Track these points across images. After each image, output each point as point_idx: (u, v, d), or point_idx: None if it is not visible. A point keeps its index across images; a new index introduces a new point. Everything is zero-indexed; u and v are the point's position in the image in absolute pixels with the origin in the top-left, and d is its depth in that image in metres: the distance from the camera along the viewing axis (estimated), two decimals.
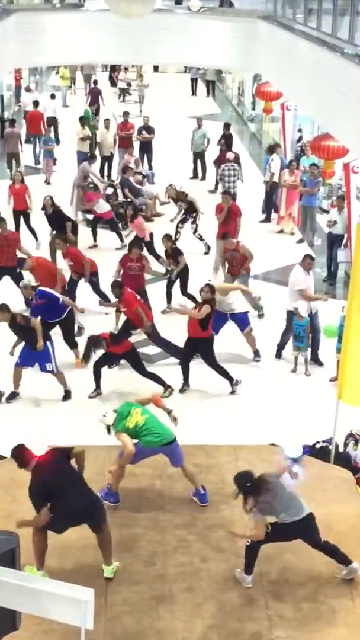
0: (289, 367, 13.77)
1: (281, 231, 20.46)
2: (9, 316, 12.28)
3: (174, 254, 15.38)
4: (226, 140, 23.67)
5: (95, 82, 32.96)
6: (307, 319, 13.44)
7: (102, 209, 18.78)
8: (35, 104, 26.66)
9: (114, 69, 39.54)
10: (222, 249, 15.78)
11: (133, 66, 39.83)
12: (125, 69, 38.92)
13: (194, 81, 38.91)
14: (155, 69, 41.74)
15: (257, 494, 8.19)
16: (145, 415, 9.58)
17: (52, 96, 29.03)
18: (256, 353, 14.00)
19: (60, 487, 8.21)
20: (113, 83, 39.02)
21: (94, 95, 30.57)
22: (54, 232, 17.09)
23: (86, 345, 12.55)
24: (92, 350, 12.46)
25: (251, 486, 8.24)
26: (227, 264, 15.59)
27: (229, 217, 17.08)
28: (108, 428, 9.62)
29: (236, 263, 15.32)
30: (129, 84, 39.60)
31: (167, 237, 15.53)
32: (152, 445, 9.48)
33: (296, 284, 13.67)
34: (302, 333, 13.48)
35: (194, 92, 38.83)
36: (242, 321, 13.81)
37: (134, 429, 9.47)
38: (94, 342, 12.39)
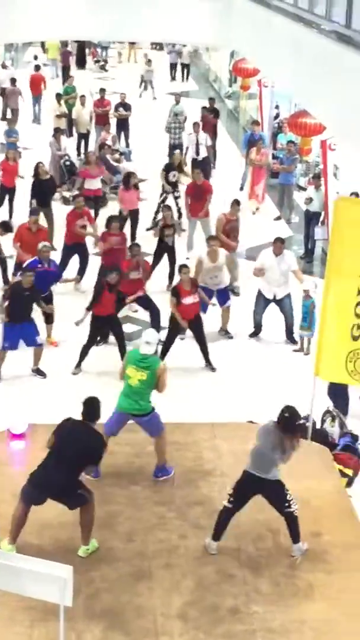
0: (265, 345, 13.82)
1: (254, 212, 20.10)
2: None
3: (175, 225, 15.51)
4: (214, 114, 23.77)
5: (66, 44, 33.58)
6: (312, 298, 13.37)
7: (94, 186, 18.66)
8: (12, 80, 26.63)
9: (82, 48, 38.64)
10: (222, 221, 15.54)
11: (113, 43, 39.58)
12: (105, 48, 38.72)
13: (173, 66, 37.44)
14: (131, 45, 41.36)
15: (281, 427, 8.29)
16: (141, 384, 9.45)
17: (4, 66, 29.13)
18: (225, 331, 14.05)
19: (51, 457, 8.22)
20: (81, 63, 38.08)
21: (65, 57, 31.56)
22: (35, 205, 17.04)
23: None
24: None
25: (284, 418, 8.34)
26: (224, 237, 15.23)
27: (201, 195, 16.99)
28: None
29: (235, 235, 15.31)
30: (105, 61, 39.40)
31: (167, 207, 15.66)
32: (122, 409, 9.49)
33: (257, 262, 13.75)
34: (305, 313, 13.48)
35: (173, 78, 37.32)
36: (225, 296, 13.85)
37: (125, 376, 9.49)
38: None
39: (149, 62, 33.98)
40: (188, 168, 20.07)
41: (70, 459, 8.22)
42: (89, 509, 8.43)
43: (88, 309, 12.64)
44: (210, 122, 23.19)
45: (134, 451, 10.13)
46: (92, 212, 16.73)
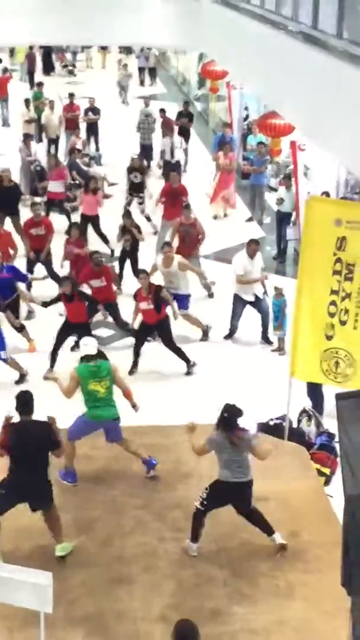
0: (241, 347, 13.84)
1: (215, 217, 19.87)
2: None
3: (138, 229, 15.42)
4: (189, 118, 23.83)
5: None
6: (284, 298, 13.37)
7: (57, 189, 18.64)
8: None
9: (48, 54, 38.36)
10: (176, 225, 15.56)
11: (82, 49, 39.50)
12: (74, 53, 38.69)
13: (141, 71, 37.10)
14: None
15: (222, 427, 8.34)
16: (108, 391, 9.51)
17: None
18: (205, 332, 14.02)
19: (16, 461, 8.21)
20: (47, 69, 37.83)
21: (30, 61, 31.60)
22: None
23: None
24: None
25: (223, 418, 8.37)
26: (177, 241, 15.26)
27: (177, 198, 16.99)
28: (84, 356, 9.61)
29: (189, 240, 15.21)
30: (73, 65, 39.30)
31: (126, 213, 15.59)
32: (98, 419, 9.49)
33: (235, 269, 13.73)
34: (277, 312, 13.48)
35: (142, 83, 36.80)
36: (181, 303, 13.78)
37: (87, 392, 9.46)
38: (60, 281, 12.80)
39: (124, 66, 33.85)
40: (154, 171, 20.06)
41: (38, 458, 8.25)
42: (53, 510, 8.41)
43: (43, 304, 12.89)
44: (171, 124, 23.29)
45: (111, 455, 10.12)
46: (61, 216, 16.67)
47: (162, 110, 24.05)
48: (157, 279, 13.57)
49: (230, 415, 8.38)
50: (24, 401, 8.51)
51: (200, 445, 8.55)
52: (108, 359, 9.82)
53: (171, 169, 19.63)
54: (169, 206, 16.95)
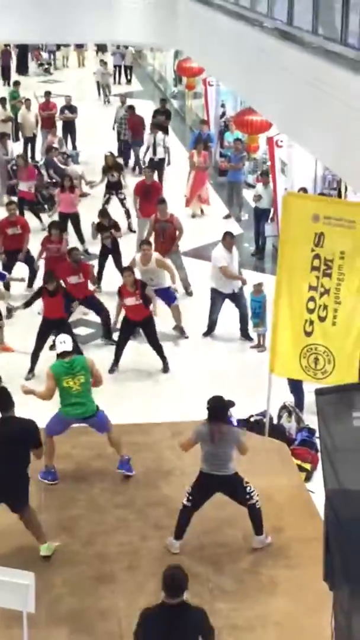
0: (220, 343, 13.86)
1: (193, 215, 19.84)
2: None
3: (114, 227, 15.41)
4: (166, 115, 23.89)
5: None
6: (264, 294, 13.39)
7: (27, 188, 18.58)
8: None
9: (23, 54, 38.07)
10: (152, 221, 15.51)
11: (59, 48, 39.33)
12: (52, 52, 38.61)
13: (117, 68, 36.79)
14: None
15: (209, 421, 8.34)
16: (82, 387, 9.43)
17: None
18: (181, 330, 14.03)
19: None
20: (22, 69, 37.60)
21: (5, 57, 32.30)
22: None
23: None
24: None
25: (209, 409, 8.37)
26: (154, 237, 15.25)
27: (151, 195, 16.97)
28: (60, 353, 9.57)
29: (166, 236, 15.16)
30: (49, 64, 39.13)
31: (102, 212, 15.59)
32: (71, 416, 9.46)
33: (216, 261, 13.72)
34: (258, 309, 13.49)
35: (117, 81, 36.48)
36: (167, 295, 13.80)
37: (61, 388, 9.41)
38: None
39: (104, 64, 33.74)
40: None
41: (8, 455, 8.17)
42: (30, 510, 8.37)
43: (24, 305, 12.93)
44: (137, 122, 23.34)
45: (92, 454, 10.11)
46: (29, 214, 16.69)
47: (131, 108, 24.07)
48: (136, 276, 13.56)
49: (213, 407, 8.38)
50: (3, 397, 8.42)
51: (186, 439, 8.55)
52: (83, 354, 9.79)
53: (154, 166, 19.63)
54: (143, 203, 16.91)
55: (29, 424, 8.29)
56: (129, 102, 25.17)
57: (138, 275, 13.40)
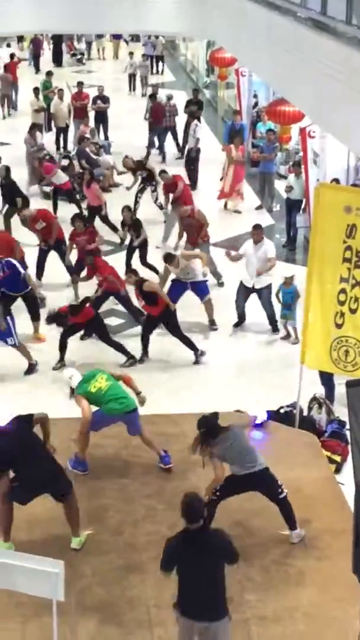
0: (250, 335, 13.83)
1: (225, 206, 19.74)
2: None
3: (135, 225, 15.34)
4: (198, 106, 23.82)
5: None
6: (294, 285, 13.35)
7: (60, 180, 18.62)
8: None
9: (58, 45, 38.24)
10: (181, 220, 15.65)
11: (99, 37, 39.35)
12: (89, 43, 38.71)
13: (149, 58, 36.10)
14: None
15: (210, 441, 8.35)
16: (109, 382, 9.60)
17: None
18: (212, 322, 14.02)
19: (21, 457, 8.18)
20: (57, 60, 37.65)
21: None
22: (6, 206, 17.20)
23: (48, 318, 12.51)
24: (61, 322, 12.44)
25: (205, 432, 8.40)
26: (185, 233, 15.51)
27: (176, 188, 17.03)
28: (72, 391, 9.64)
29: (194, 231, 15.25)
30: (82, 54, 39.18)
31: (127, 208, 15.54)
32: (115, 412, 9.50)
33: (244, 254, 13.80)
34: (289, 300, 13.43)
35: (151, 72, 35.91)
36: (201, 290, 13.80)
37: (96, 394, 9.50)
38: (53, 319, 12.33)
39: (145, 57, 33.64)
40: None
41: (34, 449, 8.28)
42: (72, 500, 8.45)
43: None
44: (158, 109, 23.56)
45: (121, 444, 10.14)
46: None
47: (153, 96, 24.06)
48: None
49: (208, 428, 8.45)
50: None
51: (217, 474, 8.45)
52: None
53: (191, 158, 20.20)
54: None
55: (26, 419, 8.47)
56: (161, 92, 25.19)
57: (173, 275, 13.67)
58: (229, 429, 8.44)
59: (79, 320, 12.50)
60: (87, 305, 12.71)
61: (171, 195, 17.27)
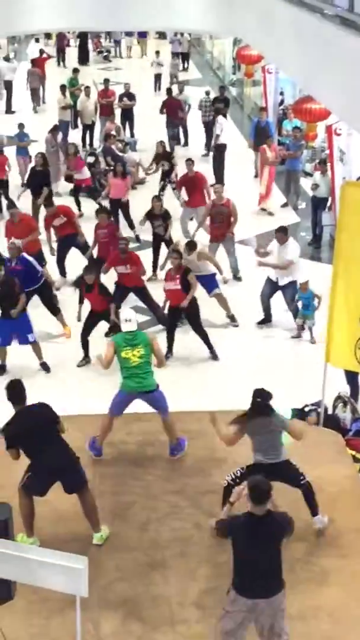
0: (274, 331, 13.82)
1: (263, 209, 19.59)
2: None
3: (164, 215, 15.37)
4: (225, 103, 23.83)
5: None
6: (311, 290, 13.37)
7: (83, 176, 18.68)
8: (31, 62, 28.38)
9: (84, 42, 38.34)
10: (208, 207, 15.55)
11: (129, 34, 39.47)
12: (117, 41, 38.79)
13: (175, 56, 35.78)
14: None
15: (251, 415, 8.34)
16: (142, 360, 9.55)
17: (6, 59, 30.17)
18: (232, 318, 14.00)
19: (37, 440, 8.21)
20: (83, 58, 37.73)
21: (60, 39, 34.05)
22: (27, 191, 17.51)
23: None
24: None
25: (254, 405, 8.38)
26: (209, 223, 15.28)
27: (193, 186, 16.96)
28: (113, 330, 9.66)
29: (220, 221, 15.16)
30: (108, 51, 39.22)
31: (156, 198, 15.61)
32: (130, 389, 9.56)
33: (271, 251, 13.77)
34: (308, 302, 13.43)
35: (182, 68, 36.13)
36: (209, 283, 13.77)
37: (121, 360, 9.55)
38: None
39: (175, 55, 33.73)
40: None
41: (52, 436, 8.29)
42: (87, 496, 8.46)
43: (80, 302, 12.87)
44: (173, 105, 23.77)
45: (146, 441, 10.16)
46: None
47: (168, 91, 24.13)
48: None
49: (263, 399, 8.39)
50: (18, 390, 8.54)
51: (230, 435, 8.51)
52: (146, 332, 9.93)
53: (219, 150, 20.16)
54: (190, 194, 17.04)
55: (45, 405, 8.48)
56: (190, 90, 25.22)
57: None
58: (277, 417, 8.42)
59: (97, 308, 12.57)
60: (107, 297, 12.78)
61: (184, 189, 17.21)
